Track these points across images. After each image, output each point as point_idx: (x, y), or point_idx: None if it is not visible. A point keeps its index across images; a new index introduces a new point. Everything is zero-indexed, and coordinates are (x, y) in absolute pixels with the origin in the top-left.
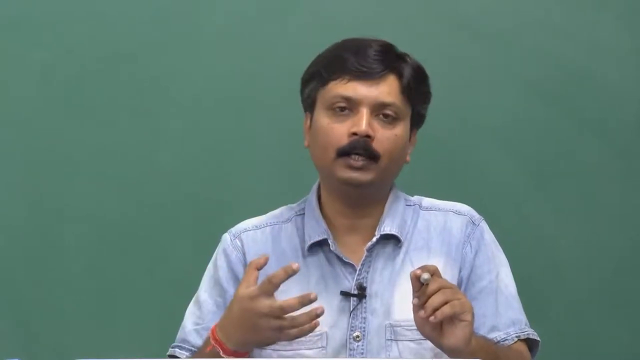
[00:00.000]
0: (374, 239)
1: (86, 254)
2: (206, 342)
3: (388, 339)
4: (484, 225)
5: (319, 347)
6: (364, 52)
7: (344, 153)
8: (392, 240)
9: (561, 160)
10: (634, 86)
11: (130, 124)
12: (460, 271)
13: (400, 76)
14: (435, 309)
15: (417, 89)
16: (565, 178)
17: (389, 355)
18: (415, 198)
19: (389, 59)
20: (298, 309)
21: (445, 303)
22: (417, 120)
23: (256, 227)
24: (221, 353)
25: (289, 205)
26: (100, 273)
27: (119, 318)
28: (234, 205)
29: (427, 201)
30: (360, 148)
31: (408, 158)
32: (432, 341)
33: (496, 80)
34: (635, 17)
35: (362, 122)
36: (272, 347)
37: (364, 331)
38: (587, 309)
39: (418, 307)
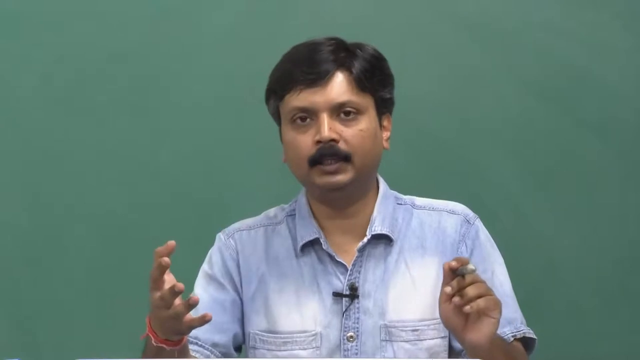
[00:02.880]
0: (365, 240)
1: (86, 253)
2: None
3: (383, 340)
4: (479, 224)
5: (313, 347)
6: (311, 57)
7: (315, 162)
8: (383, 240)
9: (561, 160)
10: (634, 86)
11: (130, 124)
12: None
13: (350, 72)
14: (471, 300)
15: (371, 78)
16: (565, 178)
17: (384, 355)
18: (407, 197)
19: (337, 58)
20: (172, 298)
21: (480, 297)
22: (383, 106)
23: (249, 227)
24: (153, 341)
25: (282, 205)
26: (100, 273)
27: (119, 318)
28: (234, 205)
29: (420, 200)
30: (328, 154)
31: (386, 145)
32: (454, 333)
33: (496, 80)
34: (635, 17)
35: (324, 128)
36: (266, 347)
37: (357, 331)
38: (586, 309)
39: (449, 296)
